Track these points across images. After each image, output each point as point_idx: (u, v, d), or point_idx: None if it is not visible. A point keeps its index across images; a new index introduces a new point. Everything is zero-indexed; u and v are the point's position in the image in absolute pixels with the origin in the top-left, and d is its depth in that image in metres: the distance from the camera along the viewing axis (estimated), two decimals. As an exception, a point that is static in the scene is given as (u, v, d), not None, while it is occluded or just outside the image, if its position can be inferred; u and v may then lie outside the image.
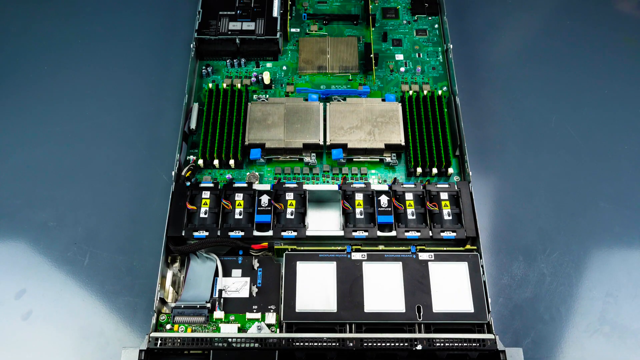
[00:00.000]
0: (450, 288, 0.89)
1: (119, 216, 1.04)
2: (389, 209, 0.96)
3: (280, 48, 1.18)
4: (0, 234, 1.03)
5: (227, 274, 0.92)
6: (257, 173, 1.05)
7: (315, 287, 0.89)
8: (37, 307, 0.96)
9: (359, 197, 0.97)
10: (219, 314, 0.88)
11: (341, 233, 0.94)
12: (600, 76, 1.23)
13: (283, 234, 0.93)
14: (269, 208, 0.95)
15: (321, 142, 1.04)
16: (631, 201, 1.08)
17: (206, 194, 0.97)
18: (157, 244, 0.95)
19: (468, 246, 0.94)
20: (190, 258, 0.94)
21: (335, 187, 0.99)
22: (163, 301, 0.91)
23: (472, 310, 0.87)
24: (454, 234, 0.94)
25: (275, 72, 1.17)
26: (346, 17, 1.25)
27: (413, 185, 0.99)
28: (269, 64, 1.18)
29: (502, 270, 1.00)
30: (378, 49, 1.20)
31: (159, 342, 0.83)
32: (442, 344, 0.83)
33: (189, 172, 1.02)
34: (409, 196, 0.97)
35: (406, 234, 0.94)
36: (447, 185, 0.99)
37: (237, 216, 0.95)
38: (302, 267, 0.90)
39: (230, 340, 0.82)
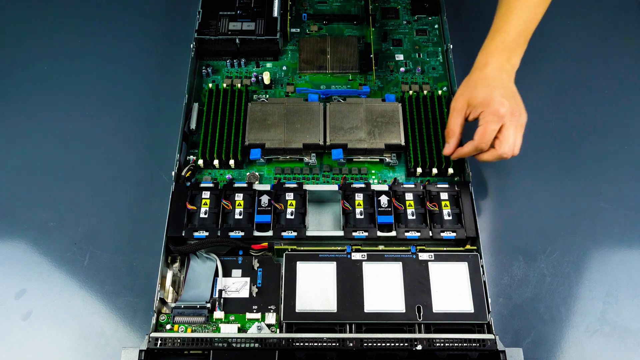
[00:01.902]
0: (450, 288, 0.89)
1: (119, 216, 1.04)
2: (389, 209, 0.96)
3: (280, 48, 1.18)
4: (0, 234, 1.03)
5: (227, 274, 0.92)
6: (257, 173, 1.05)
7: (315, 287, 0.89)
8: (37, 307, 0.96)
9: (359, 197, 0.97)
10: (219, 314, 0.88)
11: (341, 233, 0.94)
12: (600, 76, 1.23)
13: (283, 234, 0.93)
14: (269, 208, 0.95)
15: (321, 142, 1.04)
16: (631, 201, 1.08)
17: (206, 194, 0.97)
18: (157, 244, 0.95)
19: (468, 246, 0.94)
20: (190, 258, 0.94)
21: (335, 187, 0.99)
22: (163, 301, 0.91)
23: (472, 311, 0.87)
24: (454, 234, 0.94)
25: (275, 72, 1.17)
26: (346, 17, 1.25)
27: (413, 185, 0.99)
28: (269, 64, 1.18)
29: (502, 270, 1.00)
30: (378, 49, 1.20)
31: (159, 342, 0.83)
32: (442, 344, 0.83)
33: (189, 172, 1.02)
34: (409, 196, 0.97)
35: (406, 234, 0.94)
36: (447, 186, 0.99)
37: (237, 216, 0.95)
38: (302, 267, 0.90)
39: (230, 340, 0.82)
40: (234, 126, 1.06)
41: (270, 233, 0.93)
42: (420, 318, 0.87)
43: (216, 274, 0.92)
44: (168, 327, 0.89)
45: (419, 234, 0.94)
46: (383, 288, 0.89)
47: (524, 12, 0.96)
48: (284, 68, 1.17)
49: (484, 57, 0.97)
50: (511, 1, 0.97)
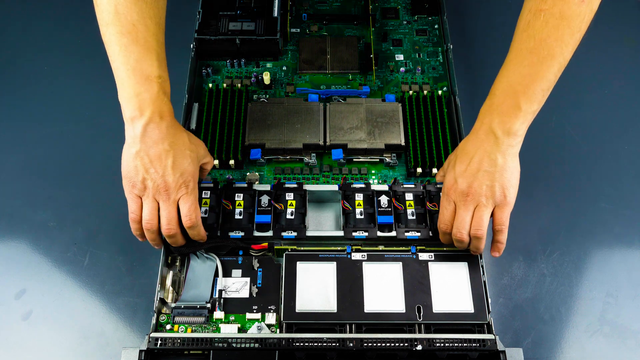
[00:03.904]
0: (450, 288, 0.89)
1: (119, 216, 1.04)
2: (389, 209, 0.96)
3: (280, 48, 1.18)
4: (0, 234, 1.03)
5: (227, 274, 0.92)
6: (257, 173, 1.05)
7: (315, 287, 0.89)
8: (37, 307, 0.96)
9: (359, 197, 0.97)
10: (219, 314, 0.88)
11: (341, 233, 0.94)
12: (600, 76, 1.23)
13: (283, 234, 0.93)
14: (269, 208, 0.95)
15: (321, 142, 1.04)
16: (631, 201, 1.08)
17: (206, 194, 0.97)
18: (157, 244, 0.95)
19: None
20: (191, 258, 0.94)
21: (335, 187, 0.99)
22: (163, 301, 0.91)
23: (472, 311, 0.87)
24: (454, 234, 0.94)
25: (275, 72, 1.17)
26: (346, 17, 1.25)
27: (413, 185, 0.99)
28: (269, 64, 1.18)
29: (502, 270, 1.00)
30: (378, 49, 1.20)
31: (159, 342, 0.83)
32: (442, 345, 0.83)
33: (189, 172, 1.02)
34: (409, 196, 0.97)
35: (406, 234, 0.94)
36: (447, 186, 0.99)
37: (237, 216, 0.95)
38: (302, 267, 0.90)
39: (230, 340, 0.82)
40: (234, 126, 1.06)
41: (270, 233, 0.93)
42: (420, 318, 0.87)
43: (216, 274, 0.92)
44: (168, 327, 0.89)
45: (419, 234, 0.94)
46: (383, 288, 0.89)
47: (512, 72, 0.85)
48: (284, 68, 1.17)
49: (475, 123, 0.88)
50: (505, 61, 0.87)
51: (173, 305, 0.89)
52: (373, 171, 1.05)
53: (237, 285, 0.91)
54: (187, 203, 0.85)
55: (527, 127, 0.85)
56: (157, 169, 0.83)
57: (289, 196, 0.96)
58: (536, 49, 0.83)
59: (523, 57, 0.84)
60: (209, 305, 0.88)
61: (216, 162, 1.03)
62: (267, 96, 1.13)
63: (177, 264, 0.95)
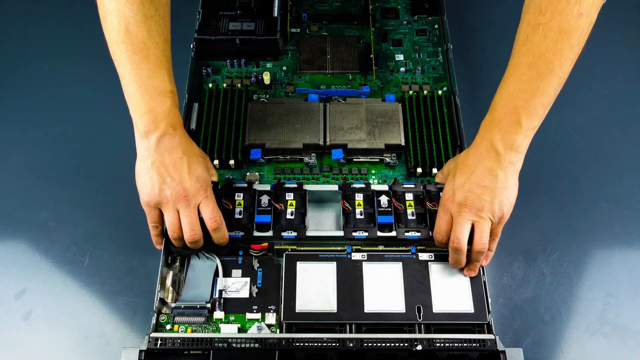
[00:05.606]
0: (450, 288, 0.89)
1: (119, 216, 1.04)
2: (389, 209, 0.96)
3: (280, 48, 1.18)
4: (0, 234, 1.03)
5: (227, 274, 0.92)
6: (257, 173, 1.05)
7: (315, 287, 0.89)
8: (37, 307, 0.96)
9: (359, 197, 0.97)
10: (219, 314, 0.88)
11: (341, 233, 0.94)
12: (600, 76, 1.23)
13: (283, 234, 0.93)
14: (269, 208, 0.95)
15: (321, 142, 1.04)
16: (631, 201, 1.08)
17: (206, 194, 0.96)
18: (157, 244, 0.95)
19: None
20: (191, 258, 0.94)
21: (335, 187, 0.99)
22: (163, 301, 0.91)
23: (472, 311, 0.87)
24: (454, 234, 0.94)
25: (275, 72, 1.17)
26: (346, 17, 1.25)
27: (413, 185, 0.99)
28: (269, 64, 1.18)
29: (502, 271, 1.00)
30: (378, 49, 1.20)
31: (159, 342, 0.83)
32: (442, 345, 0.83)
33: (189, 172, 1.02)
34: (409, 196, 0.97)
35: (406, 234, 0.94)
36: (447, 186, 0.99)
37: (237, 216, 0.95)
38: (302, 267, 0.90)
39: (230, 340, 0.82)
40: (234, 126, 1.06)
41: (270, 233, 0.93)
42: (420, 318, 0.86)
43: (216, 274, 0.92)
44: (168, 327, 0.89)
45: (419, 234, 0.94)
46: (383, 288, 0.89)
47: (512, 87, 0.84)
48: (284, 68, 1.17)
49: (476, 137, 0.88)
50: (505, 76, 0.87)
51: (173, 305, 0.89)
52: (373, 171, 1.05)
53: (237, 285, 0.91)
54: (208, 207, 0.86)
55: (529, 143, 0.86)
56: (174, 177, 0.84)
57: (289, 196, 0.96)
58: (535, 63, 0.82)
59: (522, 71, 0.83)
60: (209, 305, 0.88)
61: (216, 162, 1.03)
62: (267, 96, 1.13)
63: (177, 264, 0.95)
